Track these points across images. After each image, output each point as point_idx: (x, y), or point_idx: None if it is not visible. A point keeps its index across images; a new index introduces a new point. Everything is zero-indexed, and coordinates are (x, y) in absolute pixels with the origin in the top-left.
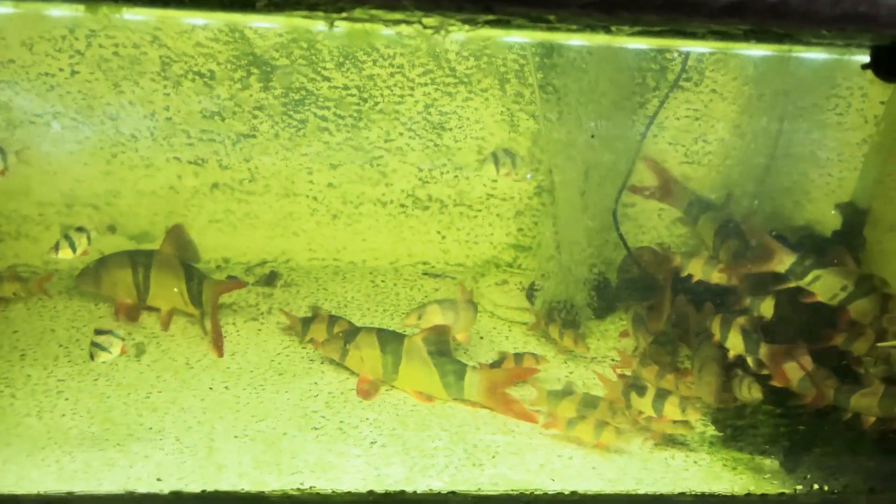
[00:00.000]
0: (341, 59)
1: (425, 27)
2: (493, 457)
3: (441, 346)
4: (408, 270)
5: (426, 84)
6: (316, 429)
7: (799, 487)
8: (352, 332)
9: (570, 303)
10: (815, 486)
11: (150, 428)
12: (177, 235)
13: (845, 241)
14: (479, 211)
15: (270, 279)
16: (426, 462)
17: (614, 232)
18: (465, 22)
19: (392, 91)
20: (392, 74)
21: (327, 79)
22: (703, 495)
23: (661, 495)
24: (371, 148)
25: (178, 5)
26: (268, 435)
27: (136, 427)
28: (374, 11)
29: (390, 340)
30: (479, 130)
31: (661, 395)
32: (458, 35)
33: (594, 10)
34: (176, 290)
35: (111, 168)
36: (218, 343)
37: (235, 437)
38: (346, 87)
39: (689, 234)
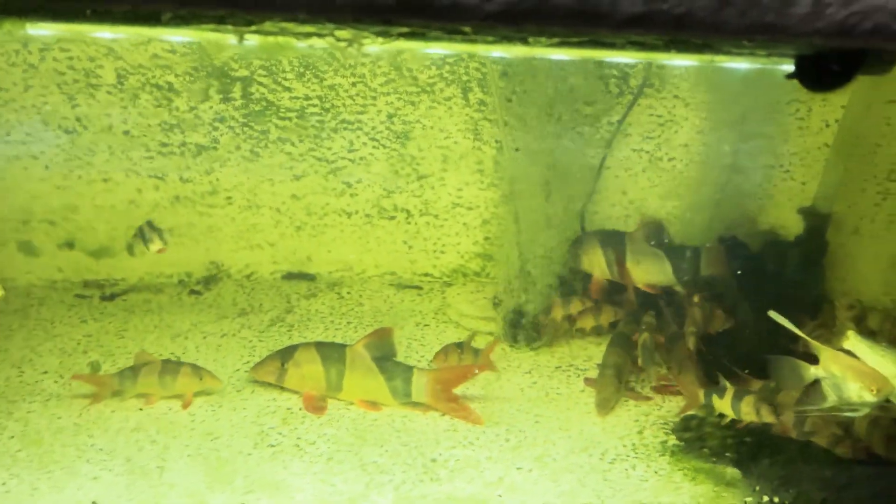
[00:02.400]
0: (302, 70)
1: (338, 40)
2: (452, 471)
3: (385, 351)
4: (374, 282)
5: (388, 94)
6: (272, 446)
7: (749, 500)
8: (288, 351)
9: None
10: (766, 498)
11: (101, 449)
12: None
13: (807, 246)
14: (446, 220)
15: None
16: (382, 478)
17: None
18: (378, 35)
19: (354, 101)
20: (354, 84)
21: (288, 89)
22: None
23: None
24: (335, 158)
25: (82, 20)
26: (222, 453)
27: (87, 448)
28: (283, 24)
29: (331, 352)
30: (444, 140)
31: (739, 395)
32: (372, 47)
33: (497, 22)
34: None
35: (68, 183)
36: None
37: (189, 455)
38: (307, 98)
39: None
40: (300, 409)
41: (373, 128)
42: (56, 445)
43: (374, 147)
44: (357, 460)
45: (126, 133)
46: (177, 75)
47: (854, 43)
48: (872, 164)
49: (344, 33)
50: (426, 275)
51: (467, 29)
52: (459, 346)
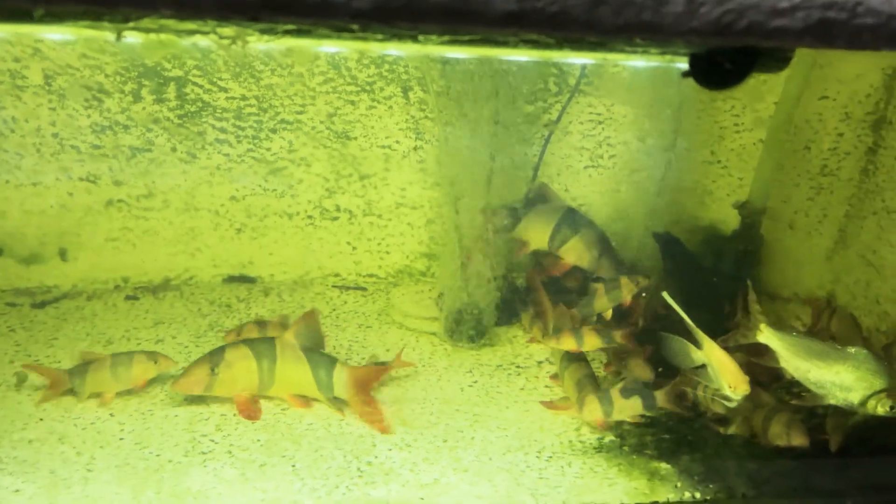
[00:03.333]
0: (238, 69)
1: (222, 38)
2: (387, 474)
3: (312, 338)
4: (318, 284)
5: (328, 93)
6: (204, 454)
7: (671, 496)
8: (215, 355)
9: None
10: (687, 494)
11: (25, 460)
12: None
13: (743, 241)
14: (390, 220)
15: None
16: (315, 483)
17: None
18: (263, 32)
19: (293, 101)
20: (292, 84)
21: (224, 90)
22: None
23: None
24: (274, 159)
25: None
26: (151, 463)
27: (9, 461)
28: (163, 21)
29: (262, 346)
30: (385, 139)
31: (656, 386)
32: (260, 45)
33: (367, 20)
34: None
35: None
36: None
37: (116, 466)
38: (244, 98)
39: None
40: (234, 415)
41: (312, 128)
42: None
43: (314, 147)
44: (290, 466)
45: (55, 136)
46: (107, 75)
47: (729, 41)
48: (806, 159)
49: (227, 30)
50: (371, 276)
51: (354, 26)
52: (261, 324)
